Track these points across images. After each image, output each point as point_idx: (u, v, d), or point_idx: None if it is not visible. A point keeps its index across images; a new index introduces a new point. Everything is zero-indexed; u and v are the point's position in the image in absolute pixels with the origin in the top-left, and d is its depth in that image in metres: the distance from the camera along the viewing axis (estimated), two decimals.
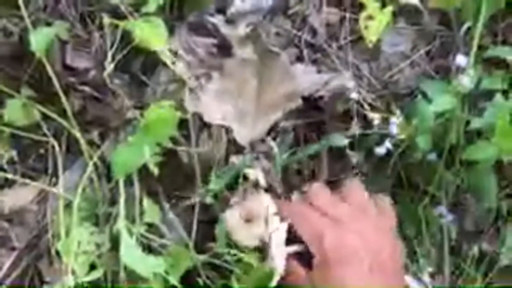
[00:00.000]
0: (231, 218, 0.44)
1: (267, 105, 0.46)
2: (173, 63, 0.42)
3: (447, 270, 0.50)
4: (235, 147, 0.47)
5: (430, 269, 0.50)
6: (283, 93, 0.45)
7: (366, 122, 0.46)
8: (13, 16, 0.47)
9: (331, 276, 0.40)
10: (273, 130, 0.47)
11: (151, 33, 0.40)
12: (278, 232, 0.42)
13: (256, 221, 0.43)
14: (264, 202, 0.44)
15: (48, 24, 0.47)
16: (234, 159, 0.45)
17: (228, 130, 0.46)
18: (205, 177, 0.47)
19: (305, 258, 0.43)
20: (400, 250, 0.45)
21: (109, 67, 0.44)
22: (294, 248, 0.43)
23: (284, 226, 0.43)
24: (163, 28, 0.41)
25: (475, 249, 0.52)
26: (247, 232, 0.43)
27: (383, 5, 0.40)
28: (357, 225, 0.42)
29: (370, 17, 0.39)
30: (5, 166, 0.49)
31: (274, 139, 0.47)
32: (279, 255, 0.42)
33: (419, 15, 0.50)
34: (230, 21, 0.47)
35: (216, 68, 0.46)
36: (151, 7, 0.42)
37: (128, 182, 0.45)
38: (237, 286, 0.43)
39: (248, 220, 0.44)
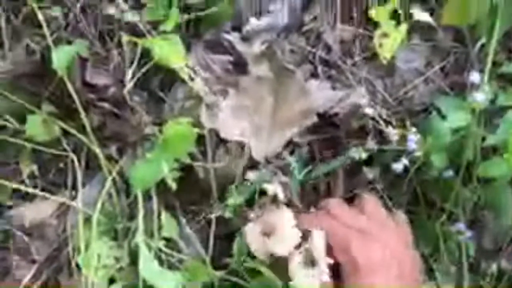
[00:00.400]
0: (251, 232, 0.45)
1: (283, 122, 0.47)
2: (191, 79, 0.43)
3: (466, 287, 0.50)
4: (251, 163, 0.47)
5: (449, 286, 0.49)
6: (298, 110, 0.45)
7: (382, 138, 0.47)
8: (35, 35, 0.49)
9: (362, 284, 0.40)
10: (288, 146, 0.47)
11: (169, 51, 0.41)
12: (317, 243, 0.42)
13: (276, 235, 0.43)
14: (284, 216, 0.44)
15: (69, 43, 0.48)
16: (251, 174, 0.45)
17: (244, 146, 0.47)
18: (221, 192, 0.47)
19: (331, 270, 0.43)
20: (419, 263, 0.45)
21: (128, 84, 0.45)
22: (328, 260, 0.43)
23: (322, 236, 0.42)
24: (181, 46, 0.42)
25: (494, 267, 0.51)
26: (266, 246, 0.43)
27: (398, 23, 0.40)
28: (380, 236, 0.43)
29: (384, 35, 0.39)
30: (26, 181, 0.51)
31: (291, 154, 0.47)
32: (323, 265, 0.42)
33: (433, 32, 0.50)
34: (245, 39, 0.48)
35: (232, 85, 0.47)
36: (169, 25, 0.43)
37: (147, 197, 0.46)
38: None
39: (267, 234, 0.44)
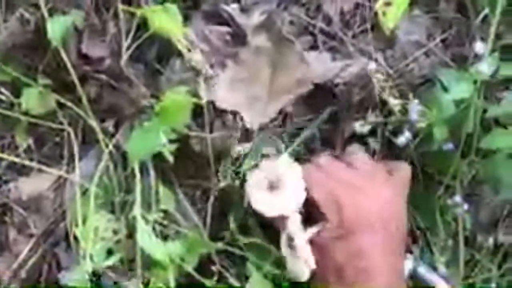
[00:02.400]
0: (254, 184, 0.43)
1: (279, 91, 0.46)
2: (188, 51, 0.42)
3: (462, 260, 0.50)
4: (246, 134, 0.47)
5: (444, 260, 0.50)
6: (295, 79, 0.45)
7: (382, 111, 0.46)
8: (30, 5, 0.48)
9: (349, 244, 0.40)
10: (286, 119, 0.47)
11: (167, 21, 0.41)
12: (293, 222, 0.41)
13: (283, 189, 0.42)
14: (292, 168, 0.42)
15: (64, 13, 0.47)
16: (240, 147, 0.45)
17: (239, 117, 0.46)
18: (218, 165, 0.47)
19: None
20: (405, 221, 0.44)
21: (125, 55, 0.44)
22: (313, 229, 0.42)
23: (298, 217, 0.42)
24: (179, 16, 0.42)
25: (490, 240, 0.51)
26: (271, 201, 0.42)
27: None
28: (369, 190, 0.42)
29: (387, 3, 0.39)
30: (22, 154, 0.50)
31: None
32: (305, 251, 0.41)
33: (434, 3, 0.49)
34: (244, 10, 0.47)
35: (231, 57, 0.46)
36: None
37: (144, 170, 0.46)
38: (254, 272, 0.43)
39: (272, 188, 0.43)
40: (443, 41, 0.49)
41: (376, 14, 0.45)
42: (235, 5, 0.47)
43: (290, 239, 0.41)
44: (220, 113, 0.46)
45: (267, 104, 0.45)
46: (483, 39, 0.46)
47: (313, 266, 0.40)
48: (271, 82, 0.45)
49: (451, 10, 0.49)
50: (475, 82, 0.44)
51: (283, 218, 0.42)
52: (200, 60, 0.43)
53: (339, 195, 0.41)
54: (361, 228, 0.40)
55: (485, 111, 0.45)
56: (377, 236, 0.40)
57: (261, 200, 0.42)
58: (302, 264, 0.40)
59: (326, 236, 0.41)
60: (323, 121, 0.47)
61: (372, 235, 0.40)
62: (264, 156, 0.45)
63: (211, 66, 0.46)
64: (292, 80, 0.45)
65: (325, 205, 0.42)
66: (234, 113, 0.45)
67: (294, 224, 0.41)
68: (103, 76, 0.46)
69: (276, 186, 0.42)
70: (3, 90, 0.49)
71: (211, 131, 0.46)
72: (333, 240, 0.41)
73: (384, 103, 0.46)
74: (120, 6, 0.44)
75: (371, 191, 0.42)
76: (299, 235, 0.41)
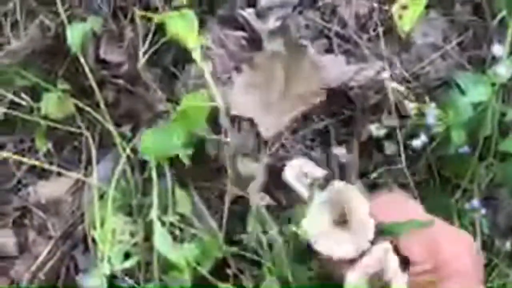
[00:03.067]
0: (317, 217, 0.37)
1: (293, 98, 0.46)
2: (205, 58, 0.43)
3: None
4: (262, 140, 0.47)
5: None
6: (309, 87, 0.45)
7: (398, 114, 0.46)
8: (50, 13, 0.49)
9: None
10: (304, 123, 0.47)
11: (183, 27, 0.41)
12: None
13: (353, 225, 0.36)
14: (358, 199, 0.36)
15: (83, 20, 0.48)
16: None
17: (253, 123, 0.46)
18: (233, 169, 0.47)
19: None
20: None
21: (142, 60, 0.45)
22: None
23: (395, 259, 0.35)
24: (195, 21, 0.42)
25: (508, 244, 0.51)
26: (339, 239, 0.35)
27: None
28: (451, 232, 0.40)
29: (404, 7, 0.39)
30: (42, 158, 0.51)
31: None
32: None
33: (450, 6, 0.49)
34: (260, 15, 0.47)
35: (246, 61, 0.47)
36: (184, 0, 0.43)
37: (161, 174, 0.46)
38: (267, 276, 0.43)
39: (339, 223, 0.37)
40: (459, 43, 0.49)
41: (391, 17, 0.45)
42: (250, 10, 0.47)
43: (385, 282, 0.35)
44: (236, 118, 0.46)
45: (281, 112, 0.45)
46: (501, 42, 0.46)
47: None
48: (285, 89, 0.45)
49: (467, 13, 0.49)
50: (493, 85, 0.43)
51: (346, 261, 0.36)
52: (215, 66, 0.44)
53: (438, 241, 0.38)
54: (457, 274, 0.37)
55: (503, 114, 0.45)
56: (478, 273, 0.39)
57: (324, 238, 0.36)
58: None
59: (420, 279, 0.37)
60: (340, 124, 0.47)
61: (473, 272, 0.38)
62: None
63: (227, 70, 0.47)
64: (306, 89, 0.45)
65: (423, 247, 0.37)
66: (250, 120, 0.45)
67: (392, 265, 0.35)
68: (120, 81, 0.47)
69: (343, 220, 0.36)
70: (23, 95, 0.50)
71: (226, 135, 0.46)
72: (427, 283, 0.37)
73: (400, 106, 0.46)
74: (137, 12, 0.45)
75: (453, 234, 0.40)
76: (398, 277, 0.35)
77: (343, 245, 0.35)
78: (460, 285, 0.37)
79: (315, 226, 0.36)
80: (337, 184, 0.38)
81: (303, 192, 0.41)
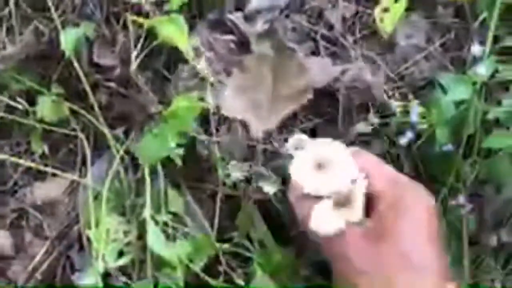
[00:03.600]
0: (300, 164, 0.40)
1: (282, 99, 0.47)
2: (195, 59, 0.44)
3: (466, 260, 0.51)
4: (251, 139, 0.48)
5: (449, 260, 0.50)
6: (296, 88, 0.46)
7: (383, 113, 0.47)
8: (44, 18, 0.50)
9: (409, 227, 0.37)
10: (291, 123, 0.48)
11: (173, 31, 0.42)
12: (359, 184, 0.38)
13: (332, 168, 0.39)
14: (338, 147, 0.40)
15: (76, 25, 0.49)
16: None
17: (244, 123, 0.47)
18: (224, 169, 0.48)
19: None
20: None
21: (134, 64, 0.46)
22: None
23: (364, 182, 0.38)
24: (184, 26, 0.43)
25: (494, 240, 0.52)
26: (320, 180, 0.39)
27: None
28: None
29: (385, 10, 0.40)
30: (38, 160, 0.52)
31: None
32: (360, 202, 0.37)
33: (433, 8, 0.50)
34: (248, 18, 0.49)
35: (235, 64, 0.48)
36: (174, 5, 0.44)
37: (153, 174, 0.47)
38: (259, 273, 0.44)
39: (320, 167, 0.40)
40: (442, 45, 0.50)
41: (375, 20, 0.47)
42: (239, 14, 0.49)
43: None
44: (226, 118, 0.47)
45: (270, 112, 0.46)
46: (482, 43, 0.47)
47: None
48: (273, 90, 0.46)
49: (449, 15, 0.50)
50: (474, 84, 0.45)
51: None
52: (205, 67, 0.45)
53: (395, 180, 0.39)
54: (422, 210, 0.38)
55: (485, 112, 0.46)
56: (433, 223, 0.38)
57: (308, 179, 0.39)
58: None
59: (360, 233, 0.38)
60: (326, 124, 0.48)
61: (430, 221, 0.38)
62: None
63: (217, 73, 0.48)
64: (293, 89, 0.46)
65: (383, 186, 0.39)
66: (240, 120, 0.47)
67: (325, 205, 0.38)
68: (113, 84, 0.48)
69: (324, 165, 0.40)
70: (18, 99, 0.52)
71: (217, 136, 0.48)
72: (390, 220, 0.37)
73: (385, 105, 0.47)
74: (129, 17, 0.46)
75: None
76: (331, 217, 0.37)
77: (323, 186, 0.39)
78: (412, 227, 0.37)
79: (301, 173, 0.40)
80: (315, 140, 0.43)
81: None
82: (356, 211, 0.38)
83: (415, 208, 0.38)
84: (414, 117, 0.44)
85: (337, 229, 0.37)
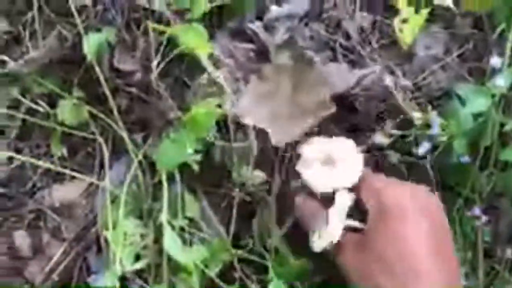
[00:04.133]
0: (307, 160, 0.41)
1: (301, 110, 0.48)
2: (215, 68, 0.44)
3: (481, 272, 0.50)
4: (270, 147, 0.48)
5: (464, 271, 0.50)
6: (316, 100, 0.46)
7: (401, 124, 0.48)
8: (67, 23, 0.51)
9: (390, 232, 0.37)
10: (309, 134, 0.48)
11: (194, 40, 0.43)
12: (343, 197, 0.39)
13: (339, 164, 0.40)
14: (345, 143, 0.41)
15: (98, 30, 0.50)
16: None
17: (263, 132, 0.48)
18: (240, 175, 0.49)
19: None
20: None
21: (155, 70, 0.47)
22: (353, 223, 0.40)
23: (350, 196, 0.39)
24: (205, 35, 0.44)
25: (509, 252, 0.52)
26: (324, 176, 0.40)
27: (416, 10, 0.41)
28: (410, 188, 0.40)
29: (405, 21, 0.40)
30: (57, 162, 0.53)
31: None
32: (338, 222, 0.38)
33: (451, 18, 0.50)
34: (268, 27, 0.49)
35: (254, 72, 0.49)
36: (195, 14, 0.45)
37: (171, 179, 0.48)
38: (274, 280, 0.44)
39: (328, 163, 0.41)
40: (460, 55, 0.50)
41: (393, 30, 0.47)
42: (259, 23, 0.49)
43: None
44: (243, 125, 0.48)
45: (291, 123, 0.47)
46: (500, 54, 0.47)
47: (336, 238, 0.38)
48: (292, 100, 0.47)
49: (467, 26, 0.50)
50: (492, 96, 0.45)
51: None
52: (224, 75, 0.45)
53: (381, 186, 0.40)
54: (403, 214, 0.37)
55: (503, 124, 0.46)
56: (421, 225, 0.37)
57: (314, 175, 0.40)
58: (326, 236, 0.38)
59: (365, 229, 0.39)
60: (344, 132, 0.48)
61: (416, 223, 0.37)
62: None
63: (236, 80, 0.49)
64: (313, 101, 0.46)
65: (366, 195, 0.40)
66: (259, 129, 0.47)
67: (342, 201, 0.39)
68: (133, 90, 0.49)
69: (331, 161, 0.41)
70: (40, 101, 0.53)
71: (234, 141, 0.48)
72: (373, 228, 0.38)
73: (404, 114, 0.47)
74: (150, 25, 0.47)
75: (412, 189, 0.40)
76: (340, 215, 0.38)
77: (329, 182, 0.40)
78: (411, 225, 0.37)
79: (308, 168, 0.42)
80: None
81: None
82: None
83: (410, 212, 0.38)
84: (435, 130, 0.44)
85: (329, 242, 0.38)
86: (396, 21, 0.41)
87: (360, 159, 0.41)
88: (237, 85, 0.49)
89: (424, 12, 0.40)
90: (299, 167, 0.42)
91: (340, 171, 0.41)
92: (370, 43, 0.51)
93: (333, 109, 0.45)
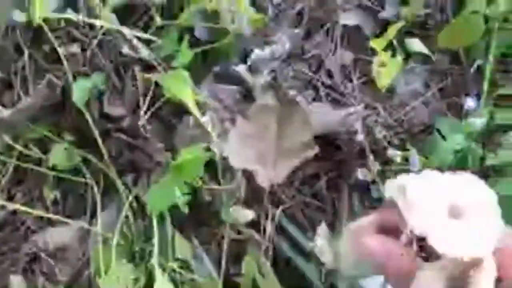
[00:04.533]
0: (428, 209, 0.27)
1: (286, 151, 0.49)
2: (202, 110, 0.46)
3: None
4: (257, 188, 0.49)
5: None
6: (300, 141, 0.48)
7: (383, 159, 0.49)
8: (57, 70, 0.52)
9: None
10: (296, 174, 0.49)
11: (179, 87, 0.44)
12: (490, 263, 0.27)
13: (469, 216, 0.27)
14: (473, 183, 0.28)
15: (87, 76, 0.51)
16: None
17: (250, 173, 0.49)
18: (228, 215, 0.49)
19: None
20: None
21: (143, 116, 0.48)
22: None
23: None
24: (189, 81, 0.45)
25: None
26: (455, 235, 0.26)
27: (393, 54, 0.42)
28: None
29: (382, 64, 0.42)
30: (50, 207, 0.54)
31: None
32: None
33: (430, 55, 0.52)
34: (252, 69, 0.51)
35: (240, 113, 0.50)
36: (181, 62, 0.46)
37: (161, 220, 0.49)
38: None
39: (454, 215, 0.27)
40: (440, 90, 0.52)
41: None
42: (243, 65, 0.51)
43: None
44: (231, 166, 0.49)
45: (276, 163, 0.48)
46: (478, 88, 0.49)
47: None
48: (278, 141, 0.48)
49: (446, 61, 0.52)
50: (470, 133, 0.46)
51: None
52: (211, 119, 0.47)
53: None
54: None
55: (483, 158, 0.47)
56: None
57: (440, 232, 0.26)
58: None
59: None
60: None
61: None
62: None
63: (222, 121, 0.50)
64: (297, 141, 0.48)
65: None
66: (245, 170, 0.48)
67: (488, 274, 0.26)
68: (122, 135, 0.50)
69: (461, 212, 0.27)
70: (32, 147, 0.54)
71: (222, 183, 0.49)
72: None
73: (384, 151, 0.48)
74: (138, 72, 0.49)
75: None
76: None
77: (463, 244, 0.26)
78: None
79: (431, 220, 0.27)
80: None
81: None
82: None
83: None
84: (413, 167, 0.45)
85: None
86: (374, 65, 0.42)
87: (498, 210, 0.28)
88: (224, 126, 0.50)
89: (400, 58, 0.42)
90: (405, 213, 0.27)
91: (473, 226, 0.27)
92: (351, 80, 0.52)
93: (316, 150, 0.46)
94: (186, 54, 0.46)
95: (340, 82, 0.51)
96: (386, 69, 0.42)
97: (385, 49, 0.42)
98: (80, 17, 0.50)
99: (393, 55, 0.42)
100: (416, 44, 0.42)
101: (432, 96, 0.51)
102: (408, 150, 0.46)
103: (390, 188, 0.29)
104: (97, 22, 0.48)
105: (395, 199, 0.29)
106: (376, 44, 0.42)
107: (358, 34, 0.52)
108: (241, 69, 0.50)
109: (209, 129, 0.45)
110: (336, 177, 0.51)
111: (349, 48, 0.52)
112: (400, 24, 0.41)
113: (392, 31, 0.41)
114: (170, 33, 0.49)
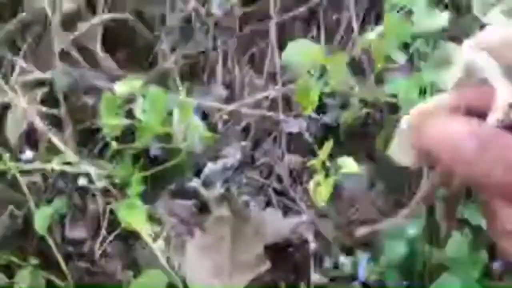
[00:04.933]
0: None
1: (241, 264, 0.51)
2: (153, 239, 0.48)
3: None
4: None
5: None
6: (254, 253, 0.50)
7: (335, 263, 0.51)
8: (19, 200, 0.55)
9: None
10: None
11: (132, 217, 0.47)
12: None
13: None
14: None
15: (49, 201, 0.54)
16: None
17: None
18: None
19: None
20: None
21: (103, 242, 0.50)
22: None
23: None
24: (143, 210, 0.48)
25: None
26: None
27: (327, 174, 0.44)
28: None
29: (318, 184, 0.44)
30: None
31: None
32: None
33: (374, 153, 0.55)
34: (206, 183, 0.53)
35: (197, 226, 0.52)
36: (134, 191, 0.48)
37: None
38: None
39: None
40: (386, 188, 0.54)
41: None
42: (197, 180, 0.54)
43: None
44: None
45: (232, 276, 0.50)
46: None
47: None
48: (232, 253, 0.50)
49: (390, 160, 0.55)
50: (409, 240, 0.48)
51: None
52: (162, 247, 0.48)
53: None
54: None
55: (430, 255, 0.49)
56: None
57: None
58: None
59: None
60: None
61: None
62: None
63: (179, 235, 0.52)
64: (251, 255, 0.50)
65: None
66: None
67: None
68: (83, 262, 0.52)
69: None
70: None
71: None
72: None
73: (336, 256, 0.50)
74: (98, 198, 0.51)
75: None
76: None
77: None
78: None
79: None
80: None
81: None
82: None
83: None
84: (361, 272, 0.47)
85: None
86: (311, 185, 0.45)
87: None
88: (181, 240, 0.52)
89: (332, 179, 0.44)
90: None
91: None
92: (301, 183, 0.55)
93: (268, 265, 0.48)
94: (137, 186, 0.49)
95: (289, 187, 0.54)
96: (322, 189, 0.44)
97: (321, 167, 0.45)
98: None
99: (327, 175, 0.45)
100: (349, 166, 0.45)
101: (377, 195, 0.54)
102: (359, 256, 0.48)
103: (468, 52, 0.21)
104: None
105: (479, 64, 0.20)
106: (312, 164, 0.45)
107: (303, 140, 0.55)
108: (195, 183, 0.53)
109: (159, 255, 0.47)
110: (294, 281, 0.53)
111: (295, 151, 0.55)
112: (330, 144, 0.44)
113: (324, 152, 0.44)
114: (125, 157, 0.52)
